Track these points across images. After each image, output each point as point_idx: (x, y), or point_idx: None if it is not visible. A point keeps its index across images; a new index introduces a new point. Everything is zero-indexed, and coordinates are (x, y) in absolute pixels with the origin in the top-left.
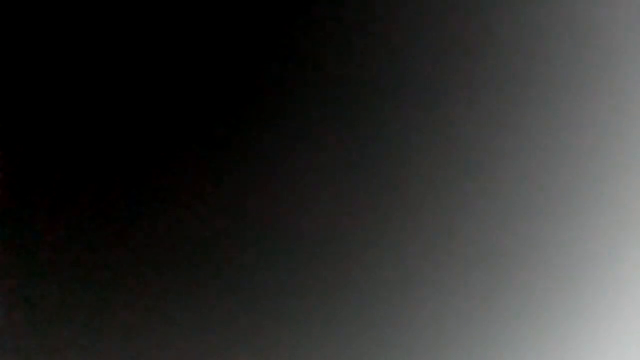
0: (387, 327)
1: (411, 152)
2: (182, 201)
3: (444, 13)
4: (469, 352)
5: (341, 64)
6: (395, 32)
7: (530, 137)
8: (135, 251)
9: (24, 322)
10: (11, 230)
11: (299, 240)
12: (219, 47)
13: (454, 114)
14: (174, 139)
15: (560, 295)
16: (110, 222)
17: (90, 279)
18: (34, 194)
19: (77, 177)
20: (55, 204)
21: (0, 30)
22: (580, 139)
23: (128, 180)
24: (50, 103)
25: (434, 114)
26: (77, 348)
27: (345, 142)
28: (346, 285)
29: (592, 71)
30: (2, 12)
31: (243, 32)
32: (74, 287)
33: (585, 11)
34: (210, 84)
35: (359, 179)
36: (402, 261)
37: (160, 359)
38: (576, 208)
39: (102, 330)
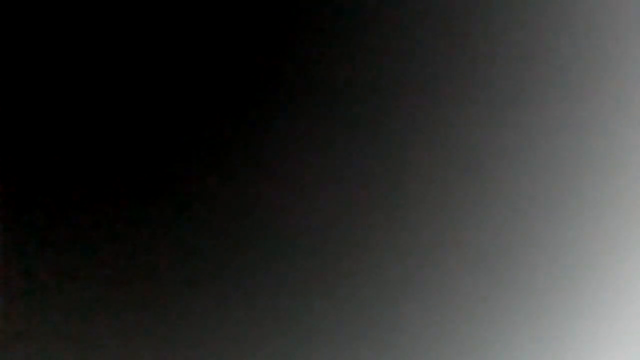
0: (388, 327)
1: (411, 152)
2: (183, 201)
3: (444, 13)
4: (469, 351)
5: (342, 64)
6: (395, 32)
7: (530, 137)
8: (136, 251)
9: (24, 322)
10: (11, 230)
11: (299, 240)
12: (220, 47)
13: (454, 114)
14: (174, 139)
15: (560, 295)
16: (110, 222)
17: (90, 279)
18: (34, 194)
19: (77, 177)
20: (55, 204)
21: (1, 30)
22: (580, 139)
23: (128, 181)
24: (51, 103)
25: (434, 114)
26: (77, 348)
27: (346, 142)
28: (346, 285)
29: (592, 71)
30: (2, 13)
31: (244, 33)
32: (74, 287)
33: (585, 11)
34: (211, 84)
35: (359, 179)
36: (402, 261)
37: (160, 359)
38: (576, 208)
39: (102, 330)
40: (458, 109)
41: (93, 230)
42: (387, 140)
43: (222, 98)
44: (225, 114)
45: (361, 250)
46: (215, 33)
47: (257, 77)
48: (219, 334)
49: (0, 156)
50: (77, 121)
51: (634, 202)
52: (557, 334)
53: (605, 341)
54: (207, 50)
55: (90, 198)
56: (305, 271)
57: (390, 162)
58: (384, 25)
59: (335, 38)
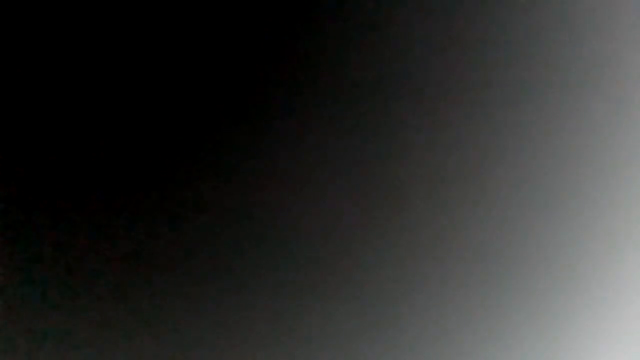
0: (388, 327)
1: (411, 152)
2: (183, 202)
3: (445, 13)
4: (469, 351)
5: (342, 65)
6: (395, 33)
7: (530, 137)
8: (136, 252)
9: (24, 322)
10: (11, 230)
11: (299, 240)
12: (220, 47)
13: (454, 114)
14: (175, 139)
15: (560, 295)
16: (110, 222)
17: (90, 279)
18: (34, 194)
19: (77, 178)
20: (55, 204)
21: (2, 30)
22: (580, 139)
23: (128, 181)
24: (51, 105)
25: (434, 114)
26: (77, 348)
27: (346, 142)
28: (347, 285)
29: (592, 71)
30: (2, 13)
31: (245, 33)
32: (74, 287)
33: (586, 11)
34: (212, 84)
35: (359, 180)
36: (402, 261)
37: (160, 358)
38: (576, 208)
39: (102, 330)
40: (458, 109)
41: (93, 231)
42: (387, 140)
43: (222, 98)
44: (225, 114)
45: (361, 251)
46: (215, 33)
47: (257, 78)
48: (219, 334)
49: (0, 156)
50: (77, 122)
51: (634, 202)
52: (557, 334)
53: (605, 341)
54: (207, 51)
55: (90, 198)
56: (305, 271)
57: (390, 162)
58: (384, 26)
59: (335, 38)
